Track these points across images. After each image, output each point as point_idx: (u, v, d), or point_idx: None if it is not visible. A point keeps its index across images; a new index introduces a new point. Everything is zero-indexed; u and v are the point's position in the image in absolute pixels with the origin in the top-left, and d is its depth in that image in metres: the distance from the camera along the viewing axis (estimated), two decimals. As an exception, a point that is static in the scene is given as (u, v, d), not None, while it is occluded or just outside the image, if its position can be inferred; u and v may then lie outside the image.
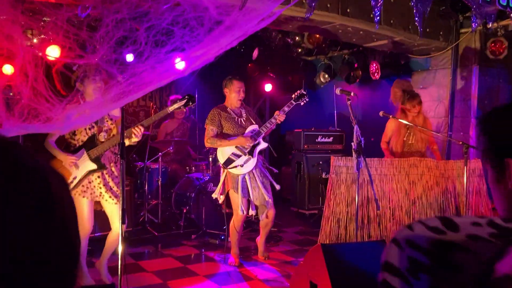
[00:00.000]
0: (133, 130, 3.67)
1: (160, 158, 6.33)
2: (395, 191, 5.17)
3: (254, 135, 4.68)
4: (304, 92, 4.89)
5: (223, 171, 4.74)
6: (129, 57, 5.46)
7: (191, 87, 7.27)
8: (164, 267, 4.72)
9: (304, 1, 4.67)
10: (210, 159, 6.06)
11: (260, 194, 4.69)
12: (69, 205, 0.69)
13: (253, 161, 4.65)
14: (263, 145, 4.78)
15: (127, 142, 3.74)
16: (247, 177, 4.66)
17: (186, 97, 3.78)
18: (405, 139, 5.44)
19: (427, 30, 5.90)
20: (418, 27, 4.18)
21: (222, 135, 4.69)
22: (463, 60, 6.41)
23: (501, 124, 1.00)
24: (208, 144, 4.70)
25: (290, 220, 6.94)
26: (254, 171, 4.68)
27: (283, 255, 5.21)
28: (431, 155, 5.58)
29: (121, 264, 3.05)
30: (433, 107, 6.69)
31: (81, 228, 3.76)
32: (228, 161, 4.64)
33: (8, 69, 4.18)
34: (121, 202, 3.16)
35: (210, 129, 4.66)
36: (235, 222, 4.72)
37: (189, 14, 2.86)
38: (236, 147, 4.64)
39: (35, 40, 2.77)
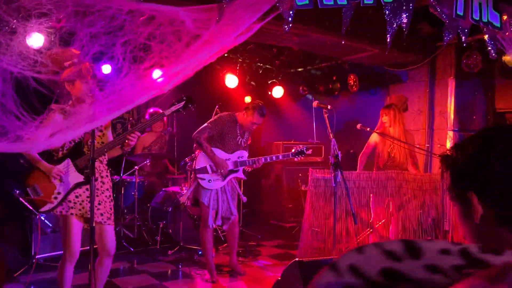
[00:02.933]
0: (128, 136, 3.26)
1: (136, 172, 6.21)
2: (373, 204, 5.17)
3: (238, 162, 4.68)
4: (305, 151, 4.92)
5: (195, 176, 4.70)
6: (106, 69, 5.31)
7: (167, 99, 7.16)
8: (139, 284, 4.60)
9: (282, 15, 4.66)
10: (189, 173, 5.98)
11: (228, 207, 4.71)
12: None
13: (221, 183, 4.66)
14: (239, 174, 4.78)
15: (118, 151, 3.52)
16: (218, 189, 4.65)
17: (184, 98, 3.33)
18: (389, 150, 5.44)
19: (404, 44, 5.95)
20: (388, 41, 4.22)
21: (216, 141, 4.66)
22: (440, 73, 6.50)
23: (460, 159, 0.99)
24: (196, 138, 4.62)
25: (270, 234, 6.88)
26: (225, 184, 4.69)
27: (261, 270, 5.14)
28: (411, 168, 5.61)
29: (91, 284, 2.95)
30: (411, 120, 6.75)
31: (67, 252, 3.36)
32: (202, 170, 4.63)
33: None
34: (91, 219, 3.04)
35: (208, 129, 4.63)
36: (204, 234, 4.68)
37: (166, 28, 2.81)
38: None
39: None
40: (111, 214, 3.54)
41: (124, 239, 5.91)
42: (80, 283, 4.28)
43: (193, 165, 4.72)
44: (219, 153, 4.63)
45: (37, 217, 4.89)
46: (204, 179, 4.60)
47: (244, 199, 4.92)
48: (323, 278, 0.75)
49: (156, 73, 2.88)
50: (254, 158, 4.70)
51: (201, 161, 4.65)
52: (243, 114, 4.77)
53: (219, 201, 4.64)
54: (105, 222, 3.46)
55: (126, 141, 3.31)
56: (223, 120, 4.70)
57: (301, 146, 4.96)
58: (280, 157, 4.81)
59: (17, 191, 4.74)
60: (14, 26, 2.44)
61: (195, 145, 4.89)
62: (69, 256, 3.36)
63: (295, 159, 4.99)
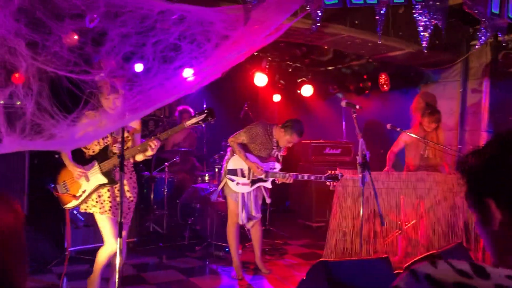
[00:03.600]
0: (149, 143, 3.43)
1: (166, 168, 6.32)
2: (402, 205, 5.10)
3: (269, 173, 4.68)
4: (339, 177, 4.70)
5: (224, 175, 4.78)
6: (138, 67, 5.45)
7: (198, 97, 7.25)
8: (166, 279, 4.69)
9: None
10: (216, 169, 6.04)
11: (252, 209, 4.75)
12: (14, 235, 0.68)
13: (248, 189, 4.70)
14: (267, 185, 4.79)
15: (141, 157, 3.65)
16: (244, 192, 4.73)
17: (206, 111, 3.42)
18: (422, 152, 5.35)
19: (436, 42, 5.83)
20: (422, 41, 4.14)
21: (251, 148, 4.71)
22: (474, 72, 6.33)
23: (476, 164, 0.98)
24: (231, 142, 4.72)
25: (297, 233, 6.88)
26: None
27: (287, 269, 5.15)
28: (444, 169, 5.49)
29: (118, 278, 3.03)
30: (442, 120, 6.60)
31: (108, 244, 3.58)
32: (232, 171, 4.70)
33: (15, 79, 4.19)
34: (120, 214, 3.12)
35: (243, 137, 4.69)
36: (230, 228, 4.78)
37: (195, 29, 2.84)
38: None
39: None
40: (127, 214, 3.69)
41: (153, 234, 6.02)
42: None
43: (226, 165, 4.78)
44: (253, 159, 4.68)
45: (69, 211, 5.05)
46: (233, 181, 4.68)
47: (269, 200, 4.92)
48: (405, 280, 0.84)
49: (186, 73, 2.92)
50: (286, 173, 4.67)
51: (234, 163, 4.73)
52: (281, 131, 4.73)
53: (245, 199, 4.70)
54: (111, 217, 3.62)
55: (148, 148, 3.44)
56: (257, 131, 4.71)
57: (336, 171, 4.73)
58: (312, 177, 4.72)
59: (52, 185, 4.91)
60: (49, 27, 2.52)
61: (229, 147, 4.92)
62: (109, 245, 3.59)
63: (328, 183, 4.75)
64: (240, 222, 4.73)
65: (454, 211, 5.01)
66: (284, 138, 4.71)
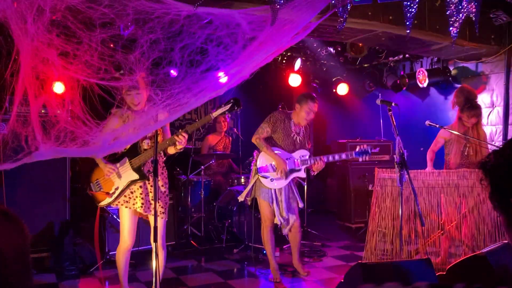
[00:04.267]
0: (176, 137, 3.42)
1: (202, 171, 6.37)
2: (443, 204, 4.92)
3: (300, 161, 4.64)
4: (370, 150, 4.68)
5: (254, 175, 4.70)
6: (173, 72, 5.54)
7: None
8: (205, 282, 4.71)
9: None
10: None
11: (285, 209, 4.64)
12: (17, 256, 0.67)
13: (284, 182, 4.62)
14: (301, 174, 4.71)
15: (172, 150, 3.65)
16: (276, 190, 4.64)
17: (231, 101, 3.43)
18: (462, 149, 5.14)
19: (477, 33, 5.61)
20: (453, 33, 3.97)
21: (274, 141, 4.66)
22: (518, 64, 6.05)
23: (499, 165, 0.91)
24: (254, 141, 4.65)
25: (336, 234, 6.77)
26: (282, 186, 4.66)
27: (326, 271, 5.07)
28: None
29: (155, 282, 3.06)
30: (485, 115, 6.34)
31: (122, 241, 3.74)
32: (263, 169, 4.63)
33: (59, 87, 4.31)
34: (155, 219, 3.16)
35: (265, 128, 4.63)
36: (264, 231, 4.73)
37: (222, 32, 2.84)
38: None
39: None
40: (164, 209, 3.76)
41: (191, 237, 6.08)
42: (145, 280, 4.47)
43: (254, 166, 4.72)
44: (281, 153, 4.61)
45: (110, 217, 5.17)
46: (266, 178, 4.59)
47: (301, 204, 4.81)
48: None
49: (214, 75, 2.93)
50: (316, 157, 4.61)
51: (262, 160, 4.64)
52: (296, 108, 4.68)
53: (277, 202, 4.62)
54: (158, 215, 3.60)
55: (176, 142, 3.42)
56: (275, 116, 4.68)
57: (365, 145, 4.72)
58: (343, 156, 4.62)
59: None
60: (80, 36, 2.58)
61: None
62: (122, 242, 3.74)
63: (360, 159, 4.78)
64: (278, 222, 4.65)
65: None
66: (301, 114, 4.63)
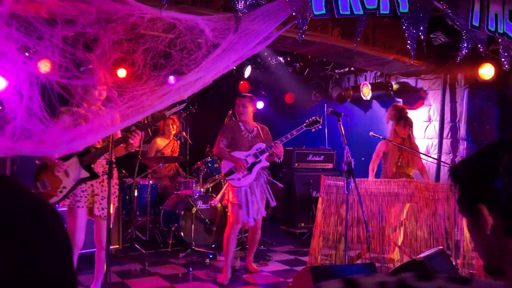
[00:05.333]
0: (129, 134, 3.38)
1: (149, 174, 6.29)
2: (384, 212, 5.18)
3: (258, 153, 4.84)
4: (319, 119, 4.97)
5: (225, 181, 4.93)
6: (121, 73, 5.44)
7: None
8: (151, 286, 4.66)
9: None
10: (201, 176, 6.05)
11: (258, 209, 4.85)
12: (63, 240, 0.69)
13: (251, 177, 4.81)
14: (263, 164, 4.90)
15: (122, 151, 3.62)
16: (247, 190, 4.79)
17: (186, 100, 3.48)
18: (396, 160, 5.49)
19: (417, 52, 5.97)
20: (411, 50, 4.27)
21: (232, 147, 4.86)
22: (453, 82, 6.50)
23: (469, 171, 1.03)
24: (216, 152, 4.93)
25: (280, 239, 6.90)
26: (254, 185, 4.83)
27: (272, 276, 5.17)
28: (420, 178, 5.62)
29: (105, 284, 3.02)
30: (423, 129, 6.75)
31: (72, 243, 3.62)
32: (229, 173, 4.79)
33: (1, 83, 4.11)
34: (108, 221, 3.12)
35: (221, 139, 4.86)
36: (231, 232, 4.82)
37: (185, 37, 2.87)
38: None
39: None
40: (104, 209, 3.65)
41: (136, 241, 5.98)
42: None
43: (221, 175, 4.90)
44: (238, 154, 4.80)
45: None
46: (233, 179, 4.77)
47: (273, 203, 5.02)
48: None
49: (177, 80, 2.95)
50: (271, 144, 4.83)
51: (225, 165, 4.84)
52: (236, 112, 5.01)
53: (249, 202, 4.77)
54: (105, 216, 3.56)
55: (129, 140, 3.41)
56: (227, 125, 5.06)
57: (312, 118, 4.99)
58: (294, 132, 4.86)
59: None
60: (42, 32, 2.52)
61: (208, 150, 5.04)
62: (73, 245, 3.54)
63: (312, 129, 5.02)
64: (245, 221, 4.79)
65: (435, 218, 5.12)
66: (237, 111, 4.94)
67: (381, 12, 4.13)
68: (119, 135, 3.68)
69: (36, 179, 3.59)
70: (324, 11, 3.56)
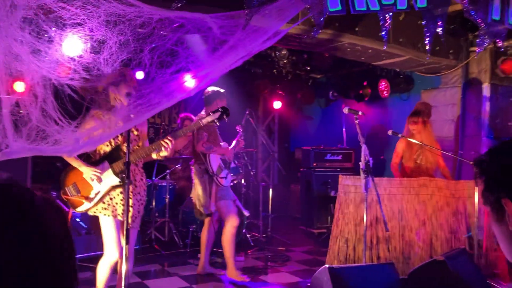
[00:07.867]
0: (162, 142, 3.31)
1: (168, 175, 6.33)
2: (404, 211, 5.08)
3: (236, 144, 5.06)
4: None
5: (211, 182, 4.76)
6: (139, 75, 5.51)
7: (199, 104, 7.28)
8: (169, 286, 4.68)
9: (311, 19, 4.67)
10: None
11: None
12: (64, 240, 0.69)
13: (230, 176, 4.92)
14: (232, 164, 5.10)
15: (155, 156, 3.53)
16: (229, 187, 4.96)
17: (220, 109, 3.40)
18: (415, 157, 5.39)
19: (437, 48, 5.86)
20: (428, 46, 4.19)
21: (211, 140, 4.77)
22: (474, 78, 6.35)
23: (494, 164, 0.99)
24: (203, 148, 4.64)
25: (298, 239, 6.87)
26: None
27: (290, 275, 5.14)
28: (441, 176, 5.50)
29: (124, 285, 3.03)
30: (443, 126, 6.61)
31: (108, 253, 3.39)
32: (219, 169, 4.80)
33: (20, 87, 4.21)
34: (125, 221, 3.08)
35: (204, 134, 4.68)
36: (232, 231, 4.84)
37: (193, 35, 2.87)
38: (221, 158, 4.85)
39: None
40: (136, 218, 3.51)
41: (155, 242, 6.02)
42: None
43: (210, 171, 4.71)
44: (224, 144, 4.92)
45: (72, 218, 5.06)
46: (224, 177, 4.80)
47: (247, 212, 5.38)
48: None
49: (184, 77, 2.95)
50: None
51: (213, 163, 4.75)
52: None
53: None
54: (131, 226, 3.38)
55: (162, 147, 3.33)
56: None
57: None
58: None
59: (54, 194, 4.93)
60: (52, 35, 2.56)
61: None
62: (110, 255, 3.40)
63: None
64: (212, 210, 4.80)
65: (457, 217, 5.00)
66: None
67: (398, 7, 4.06)
68: (146, 140, 3.65)
69: (65, 184, 3.45)
70: (339, 7, 3.52)
